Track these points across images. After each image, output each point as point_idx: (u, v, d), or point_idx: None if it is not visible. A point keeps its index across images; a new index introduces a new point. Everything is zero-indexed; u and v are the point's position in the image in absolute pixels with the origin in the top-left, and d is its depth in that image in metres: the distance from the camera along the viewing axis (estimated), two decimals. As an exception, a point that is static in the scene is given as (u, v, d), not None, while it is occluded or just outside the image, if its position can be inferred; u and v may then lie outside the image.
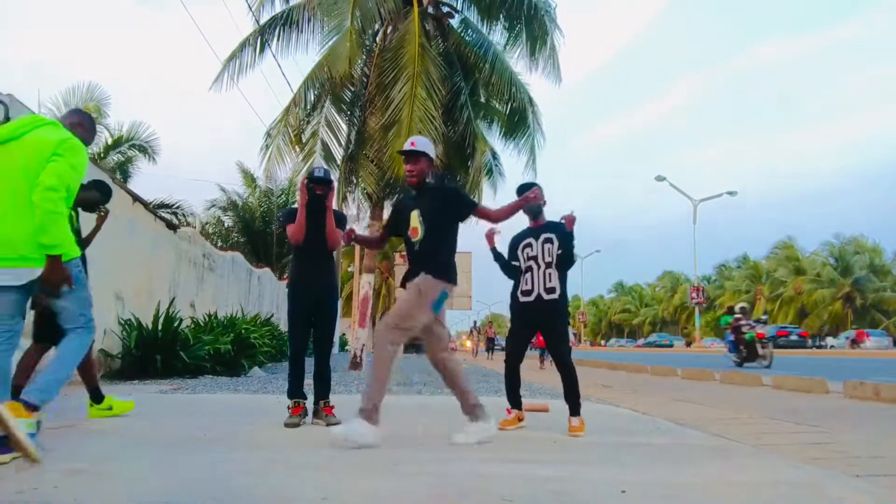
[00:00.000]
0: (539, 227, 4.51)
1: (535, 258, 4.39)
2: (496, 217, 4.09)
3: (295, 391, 4.42)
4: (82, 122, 3.57)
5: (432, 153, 3.97)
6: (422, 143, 3.95)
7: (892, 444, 4.37)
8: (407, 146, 3.92)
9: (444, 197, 3.98)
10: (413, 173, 3.89)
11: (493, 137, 14.00)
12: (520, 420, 4.46)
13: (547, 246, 4.38)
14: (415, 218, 3.86)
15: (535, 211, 4.51)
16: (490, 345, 27.75)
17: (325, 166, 12.85)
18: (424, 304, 3.67)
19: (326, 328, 4.58)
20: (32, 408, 2.96)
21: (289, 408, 4.42)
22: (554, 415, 4.98)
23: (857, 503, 2.51)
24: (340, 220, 4.67)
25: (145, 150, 16.36)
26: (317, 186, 4.45)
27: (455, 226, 3.98)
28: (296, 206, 4.62)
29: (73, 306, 3.31)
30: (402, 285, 3.91)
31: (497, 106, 13.51)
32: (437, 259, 3.80)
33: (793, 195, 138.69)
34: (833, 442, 4.27)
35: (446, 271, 3.79)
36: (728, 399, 7.63)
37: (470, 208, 4.02)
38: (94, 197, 4.83)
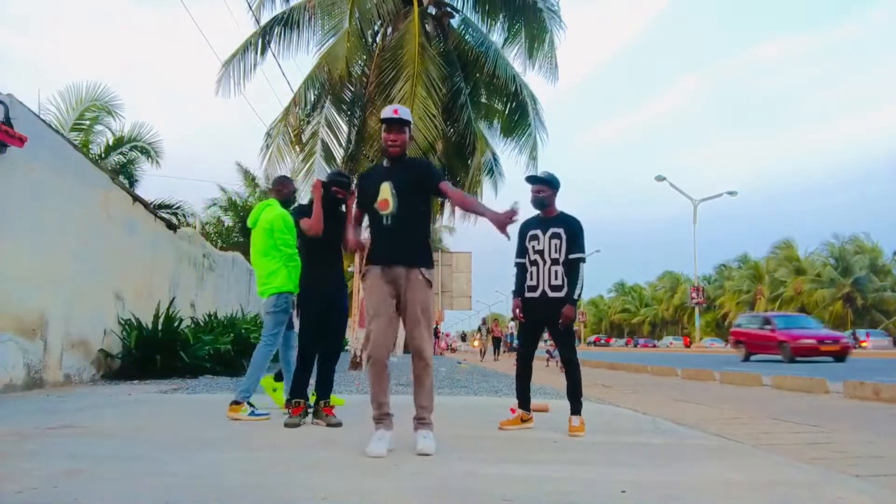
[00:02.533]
0: (549, 218, 4.41)
1: (540, 253, 4.33)
2: (455, 197, 3.79)
3: (298, 391, 4.42)
4: (278, 188, 5.09)
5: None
6: (406, 112, 3.70)
7: (892, 444, 4.37)
8: (389, 113, 3.61)
9: (419, 168, 3.72)
10: (397, 143, 3.60)
11: (493, 138, 14.00)
12: (524, 420, 4.38)
13: (554, 242, 4.30)
14: (386, 190, 3.53)
15: (538, 203, 4.45)
16: (497, 344, 25.74)
17: (326, 166, 12.86)
18: (432, 295, 3.61)
19: (338, 329, 4.57)
20: (238, 403, 4.59)
21: (289, 408, 4.42)
22: (554, 415, 4.98)
23: (857, 503, 2.51)
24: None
25: (147, 152, 16.23)
26: (338, 190, 4.49)
27: (430, 202, 3.72)
28: (303, 203, 4.70)
29: (268, 324, 4.72)
30: (375, 262, 3.55)
31: (497, 105, 13.50)
32: (423, 243, 3.61)
33: (793, 195, 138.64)
34: (833, 442, 4.28)
35: (429, 257, 3.62)
36: (728, 399, 7.64)
37: (438, 180, 3.67)
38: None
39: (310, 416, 4.45)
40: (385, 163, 3.73)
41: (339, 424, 4.28)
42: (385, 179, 3.58)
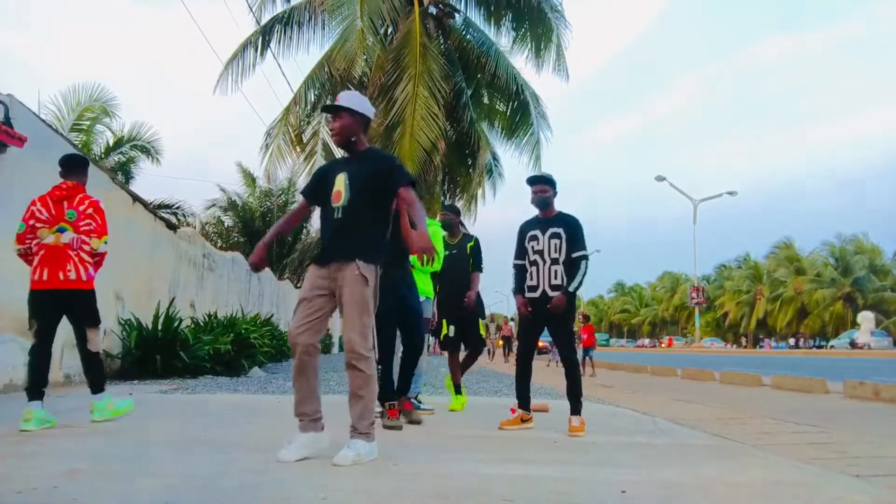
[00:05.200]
0: (548, 218, 4.42)
1: (540, 253, 4.33)
2: (411, 205, 3.23)
3: (388, 394, 4.41)
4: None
5: (363, 110, 3.36)
6: (346, 97, 3.39)
7: (891, 444, 4.37)
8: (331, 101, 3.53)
9: (379, 161, 3.36)
10: (335, 130, 3.36)
11: (494, 139, 14.02)
12: (524, 420, 4.37)
13: (554, 242, 4.30)
14: (340, 181, 3.27)
15: (541, 202, 4.45)
16: (508, 344, 24.14)
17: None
18: (371, 295, 3.17)
19: (413, 324, 4.60)
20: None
21: (384, 411, 4.37)
22: (554, 415, 4.98)
23: (857, 503, 2.51)
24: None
25: (147, 150, 16.27)
26: None
27: (388, 199, 3.31)
28: None
29: None
30: (318, 262, 3.27)
31: (499, 106, 13.52)
32: (369, 239, 3.21)
33: (793, 195, 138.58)
34: (833, 442, 4.27)
35: (377, 252, 3.22)
36: (728, 399, 7.64)
37: (402, 180, 3.25)
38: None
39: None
40: (345, 157, 3.49)
41: (418, 422, 4.34)
42: (341, 171, 3.32)
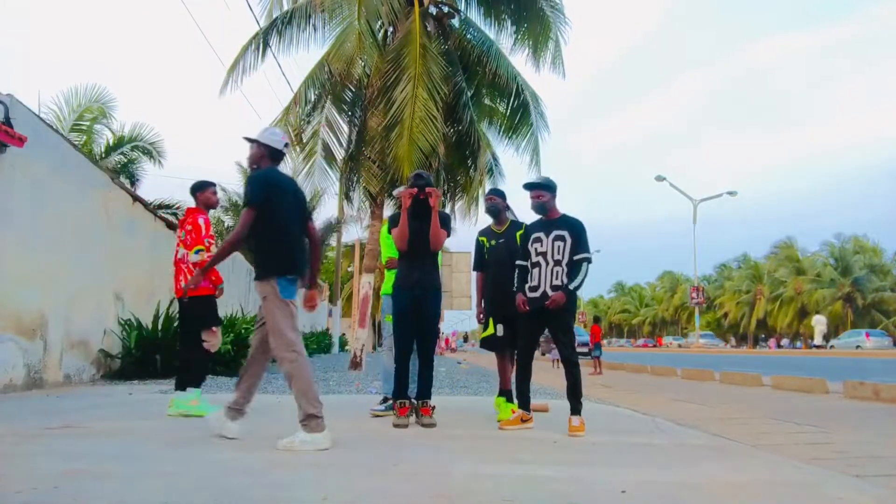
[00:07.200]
0: (551, 220, 4.43)
1: (543, 254, 4.34)
2: (232, 238, 3.78)
3: (401, 392, 4.45)
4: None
5: (267, 140, 3.84)
6: (259, 133, 3.93)
7: (891, 444, 4.37)
8: None
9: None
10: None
11: (494, 138, 14.00)
12: (524, 420, 4.37)
13: (558, 244, 4.33)
14: None
15: (539, 208, 4.46)
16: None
17: (326, 166, 12.88)
18: (273, 306, 3.55)
19: (428, 327, 4.60)
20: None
21: (395, 409, 4.44)
22: (554, 415, 4.98)
23: (857, 503, 2.51)
24: (444, 220, 4.70)
25: (149, 152, 16.21)
26: (420, 192, 4.48)
27: (264, 209, 3.62)
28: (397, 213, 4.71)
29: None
30: None
31: (499, 106, 13.49)
32: (255, 256, 3.71)
33: (793, 195, 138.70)
34: (833, 442, 4.27)
35: (265, 267, 3.63)
36: (728, 399, 7.64)
37: (244, 201, 3.74)
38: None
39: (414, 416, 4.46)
40: None
41: (432, 425, 4.31)
42: None
